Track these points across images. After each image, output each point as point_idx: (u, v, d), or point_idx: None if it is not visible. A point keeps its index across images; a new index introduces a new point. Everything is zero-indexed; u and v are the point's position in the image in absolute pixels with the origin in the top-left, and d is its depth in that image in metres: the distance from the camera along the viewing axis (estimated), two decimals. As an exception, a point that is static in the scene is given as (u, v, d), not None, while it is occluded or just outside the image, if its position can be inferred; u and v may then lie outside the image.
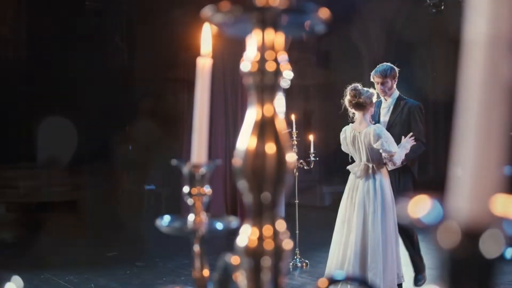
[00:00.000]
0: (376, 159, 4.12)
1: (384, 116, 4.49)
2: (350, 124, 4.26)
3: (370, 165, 4.11)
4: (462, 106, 0.31)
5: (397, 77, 4.48)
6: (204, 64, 0.86)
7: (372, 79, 4.52)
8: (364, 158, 4.14)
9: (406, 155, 4.20)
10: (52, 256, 5.90)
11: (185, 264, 5.60)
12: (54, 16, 7.98)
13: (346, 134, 4.25)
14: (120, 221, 7.79)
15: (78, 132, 8.25)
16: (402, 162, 4.16)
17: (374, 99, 4.19)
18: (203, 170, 0.86)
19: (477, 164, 0.29)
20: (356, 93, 4.10)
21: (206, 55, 0.86)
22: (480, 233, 0.28)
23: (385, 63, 4.54)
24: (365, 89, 4.17)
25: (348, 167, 4.27)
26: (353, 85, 4.17)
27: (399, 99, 4.48)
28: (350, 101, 4.14)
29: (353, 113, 4.20)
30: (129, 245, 6.75)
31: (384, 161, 4.12)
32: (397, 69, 4.49)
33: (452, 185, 0.31)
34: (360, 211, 4.05)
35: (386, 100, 4.52)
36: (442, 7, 7.59)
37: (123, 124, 10.54)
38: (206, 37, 0.86)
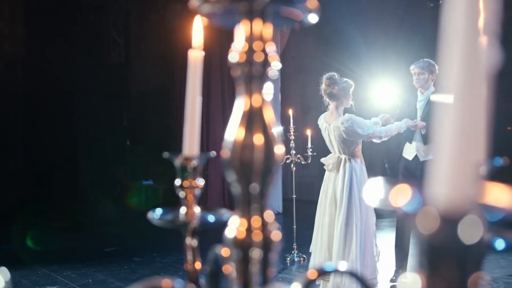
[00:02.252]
0: (349, 152, 4.03)
1: (420, 109, 4.57)
2: (324, 113, 4.21)
3: (343, 157, 4.02)
4: (442, 93, 0.31)
5: (435, 73, 4.54)
6: (196, 56, 0.86)
7: (411, 70, 4.59)
8: (337, 150, 4.07)
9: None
10: (50, 251, 5.92)
11: (182, 259, 5.60)
12: (51, 11, 7.95)
13: (321, 122, 4.18)
14: (118, 216, 7.81)
15: (76, 127, 8.23)
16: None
17: (351, 91, 4.08)
18: (194, 162, 0.86)
19: (455, 149, 0.29)
20: (331, 82, 4.00)
21: (197, 47, 0.86)
22: (458, 219, 0.28)
23: (426, 59, 4.61)
24: (343, 79, 4.07)
25: (322, 160, 4.20)
26: (329, 73, 4.09)
27: (434, 94, 4.56)
28: (324, 90, 4.06)
29: (328, 102, 4.12)
30: (127, 240, 6.75)
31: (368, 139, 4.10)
32: (436, 66, 4.54)
33: (431, 170, 0.31)
34: (332, 205, 3.99)
35: (422, 93, 4.58)
36: (441, 1, 7.57)
37: (120, 119, 10.53)
38: (198, 30, 0.86)
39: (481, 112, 0.29)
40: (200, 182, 0.86)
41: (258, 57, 0.57)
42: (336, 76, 4.04)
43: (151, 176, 9.79)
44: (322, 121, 4.15)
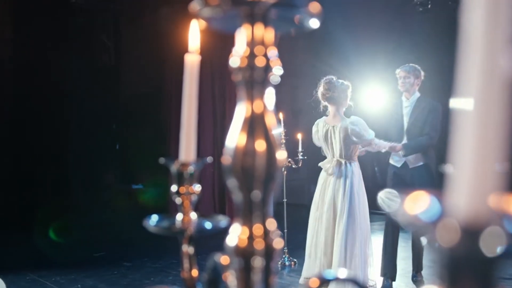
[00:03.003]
0: (349, 155, 4.04)
1: (406, 115, 4.55)
2: (324, 118, 4.19)
3: (343, 161, 4.02)
4: (460, 101, 0.30)
5: (420, 79, 4.56)
6: (192, 60, 0.85)
7: (396, 74, 4.59)
8: (337, 154, 4.05)
9: (414, 149, 4.34)
10: (38, 256, 5.86)
11: (173, 263, 5.58)
12: (40, 14, 7.89)
13: (318, 127, 4.15)
14: (108, 221, 7.76)
15: (65, 131, 8.17)
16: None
17: (349, 92, 4.12)
18: (191, 168, 0.85)
19: (475, 159, 0.28)
20: (331, 86, 4.01)
21: (194, 51, 0.85)
22: (480, 231, 0.27)
23: (411, 64, 4.63)
24: (340, 81, 4.08)
25: (320, 164, 4.19)
26: (327, 77, 4.10)
27: (420, 100, 4.56)
28: (323, 94, 4.07)
29: (325, 106, 4.13)
30: (116, 245, 6.70)
31: (363, 148, 4.14)
32: (422, 72, 4.57)
33: (451, 181, 0.30)
34: (330, 210, 3.97)
35: (407, 98, 4.57)
36: (429, 6, 7.63)
37: (110, 123, 10.47)
38: (194, 34, 0.85)
39: (502, 119, 0.28)
40: (197, 188, 0.85)
41: (260, 62, 0.56)
42: (334, 80, 4.06)
43: (141, 180, 9.74)
44: (322, 124, 4.13)
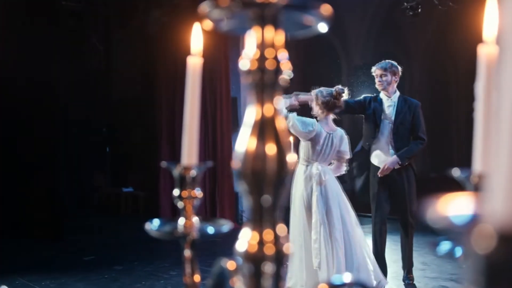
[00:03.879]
0: (329, 161, 4.14)
1: (390, 115, 4.47)
2: (320, 121, 4.18)
3: (321, 167, 4.05)
4: (496, 106, 0.29)
5: (398, 75, 4.48)
6: (195, 63, 0.84)
7: (373, 73, 4.53)
8: (328, 159, 4.12)
9: (412, 152, 4.39)
10: (28, 260, 5.80)
11: (164, 267, 5.54)
12: (30, 17, 7.83)
13: (315, 128, 4.11)
14: (97, 224, 7.71)
15: (55, 134, 8.10)
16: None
17: (345, 95, 4.15)
18: (193, 172, 0.84)
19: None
20: (320, 96, 4.12)
21: (196, 54, 0.84)
22: (516, 237, 0.27)
23: (388, 60, 4.54)
24: (329, 90, 4.14)
25: (297, 170, 4.19)
26: (319, 89, 4.17)
27: (401, 98, 4.50)
28: (315, 104, 4.16)
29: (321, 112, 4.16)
30: (106, 248, 6.65)
31: (340, 163, 4.17)
32: (399, 68, 4.50)
33: (486, 186, 0.29)
34: (308, 213, 4.01)
35: (389, 97, 4.49)
36: (419, 10, 7.68)
37: (100, 126, 10.42)
38: (197, 36, 0.84)
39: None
40: (199, 192, 0.84)
41: (270, 65, 0.55)
42: (324, 90, 4.13)
43: (131, 184, 9.69)
44: (320, 129, 4.11)
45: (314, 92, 4.18)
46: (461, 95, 10.59)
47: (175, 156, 8.85)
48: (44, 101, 7.87)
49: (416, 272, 4.81)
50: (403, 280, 4.64)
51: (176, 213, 0.82)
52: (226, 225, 0.85)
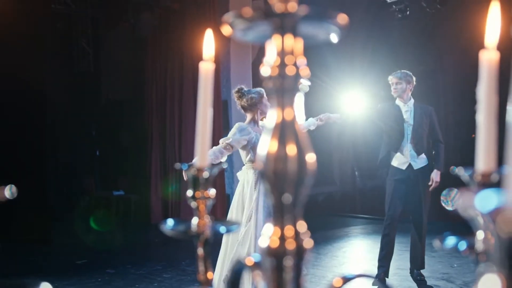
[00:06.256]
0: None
1: (408, 119, 4.76)
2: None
3: (250, 165, 3.95)
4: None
5: (413, 84, 4.76)
6: (207, 68, 0.87)
7: (389, 81, 4.80)
8: (251, 158, 3.96)
9: (442, 157, 4.71)
10: (19, 264, 5.77)
11: (157, 270, 5.55)
12: (18, 18, 7.80)
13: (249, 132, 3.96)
14: (89, 227, 7.68)
15: (44, 137, 8.07)
16: None
17: (264, 100, 3.95)
18: (206, 173, 0.87)
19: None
20: (240, 96, 3.96)
21: (208, 59, 0.87)
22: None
23: (403, 70, 4.82)
24: (252, 90, 3.99)
25: (238, 174, 4.10)
26: (238, 87, 4.02)
27: (416, 105, 4.81)
28: (238, 104, 4.02)
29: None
30: (99, 252, 6.64)
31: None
32: (414, 78, 4.77)
33: (510, 176, 0.33)
34: (238, 215, 3.90)
35: (405, 103, 4.77)
36: (408, 13, 7.76)
37: (89, 128, 10.39)
38: (209, 42, 0.87)
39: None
40: (212, 192, 0.87)
41: (290, 71, 0.59)
42: (245, 89, 3.98)
43: (122, 187, 9.66)
44: (251, 132, 3.98)
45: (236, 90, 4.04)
46: (449, 96, 10.71)
47: (166, 159, 8.85)
48: (32, 104, 7.84)
49: (408, 272, 4.91)
50: (416, 277, 4.77)
51: (167, 215, 0.83)
52: (235, 225, 0.89)
